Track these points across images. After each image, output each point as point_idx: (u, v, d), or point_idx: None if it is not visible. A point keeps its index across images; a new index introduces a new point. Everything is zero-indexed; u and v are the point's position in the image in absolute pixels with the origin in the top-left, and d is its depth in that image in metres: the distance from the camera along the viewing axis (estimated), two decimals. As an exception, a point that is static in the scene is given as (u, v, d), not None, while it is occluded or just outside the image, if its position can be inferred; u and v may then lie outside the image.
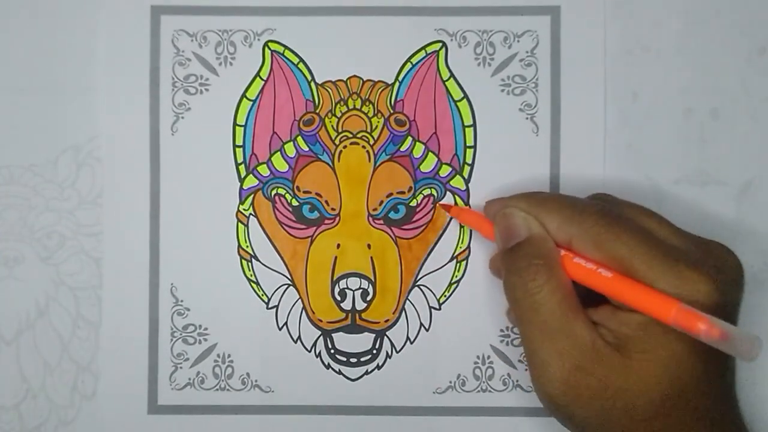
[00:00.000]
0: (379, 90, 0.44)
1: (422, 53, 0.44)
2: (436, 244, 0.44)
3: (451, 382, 0.44)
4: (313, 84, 0.44)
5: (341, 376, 0.44)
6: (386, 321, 0.44)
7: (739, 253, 0.43)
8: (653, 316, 0.34)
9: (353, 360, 0.44)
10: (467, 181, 0.44)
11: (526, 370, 0.44)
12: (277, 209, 0.44)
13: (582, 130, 0.44)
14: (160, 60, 0.44)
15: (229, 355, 0.44)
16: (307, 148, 0.44)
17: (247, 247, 0.44)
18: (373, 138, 0.44)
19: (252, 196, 0.44)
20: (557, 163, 0.44)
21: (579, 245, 0.37)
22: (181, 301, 0.44)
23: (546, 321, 0.36)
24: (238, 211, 0.44)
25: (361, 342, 0.44)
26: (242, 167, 0.44)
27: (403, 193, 0.44)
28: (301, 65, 0.44)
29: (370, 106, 0.44)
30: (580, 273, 0.37)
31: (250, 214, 0.44)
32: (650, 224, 0.38)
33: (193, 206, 0.44)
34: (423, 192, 0.44)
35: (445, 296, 0.44)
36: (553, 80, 0.44)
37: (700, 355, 0.35)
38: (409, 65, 0.44)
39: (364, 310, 0.44)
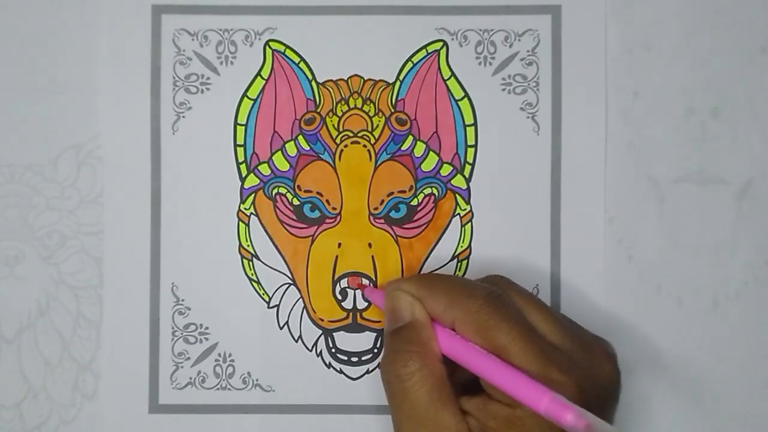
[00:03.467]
0: (380, 89, 0.44)
1: (423, 52, 0.44)
2: (437, 243, 0.44)
3: (452, 381, 0.44)
4: (314, 83, 0.44)
5: (342, 375, 0.44)
6: (387, 320, 0.44)
7: (739, 252, 0.43)
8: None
9: (354, 359, 0.44)
10: (468, 180, 0.44)
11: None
12: (278, 208, 0.44)
13: (583, 129, 0.44)
14: (161, 59, 0.44)
15: (230, 355, 0.44)
16: (308, 148, 0.44)
17: (248, 246, 0.44)
18: (374, 137, 0.44)
19: (253, 195, 0.44)
20: (558, 162, 0.44)
21: (461, 328, 0.37)
22: (182, 300, 0.44)
23: (414, 408, 0.36)
24: (239, 210, 0.44)
25: (362, 341, 0.44)
26: (243, 166, 0.44)
27: (404, 192, 0.44)
28: (302, 64, 0.44)
29: (371, 105, 0.44)
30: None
31: (251, 213, 0.44)
32: (535, 317, 0.38)
33: (194, 205, 0.44)
34: (424, 191, 0.44)
35: (446, 295, 0.44)
36: (554, 79, 0.44)
37: None
38: (410, 64, 0.44)
39: (365, 309, 0.44)
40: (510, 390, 0.35)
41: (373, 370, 0.44)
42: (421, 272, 0.44)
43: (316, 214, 0.44)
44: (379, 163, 0.44)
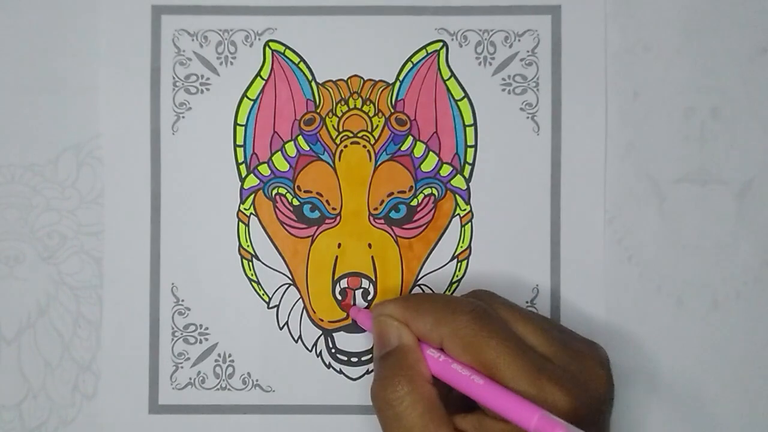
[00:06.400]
0: (380, 89, 0.44)
1: (423, 53, 0.44)
2: (437, 243, 0.44)
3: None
4: (313, 83, 0.44)
5: (342, 375, 0.44)
6: (387, 321, 0.44)
7: (739, 252, 0.43)
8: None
9: (354, 359, 0.44)
10: (468, 181, 0.44)
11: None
12: (278, 209, 0.44)
13: (583, 129, 0.44)
14: (161, 59, 0.44)
15: (229, 355, 0.44)
16: (307, 148, 0.44)
17: (248, 246, 0.44)
18: (373, 137, 0.44)
19: (253, 195, 0.44)
20: (558, 162, 0.44)
21: (449, 346, 0.37)
22: (182, 300, 0.44)
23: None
24: (239, 210, 0.44)
25: (362, 341, 0.44)
26: (243, 167, 0.44)
27: (403, 192, 0.44)
28: (301, 65, 0.44)
29: (371, 105, 0.44)
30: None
31: (251, 213, 0.44)
32: (523, 329, 0.38)
33: (194, 206, 0.44)
34: (424, 191, 0.44)
35: (445, 296, 0.44)
36: (554, 79, 0.44)
37: None
38: (409, 65, 0.44)
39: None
40: (499, 409, 0.35)
41: (372, 371, 0.44)
42: (421, 272, 0.44)
43: (316, 214, 0.44)
44: (378, 163, 0.44)
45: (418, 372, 0.37)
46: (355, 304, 0.44)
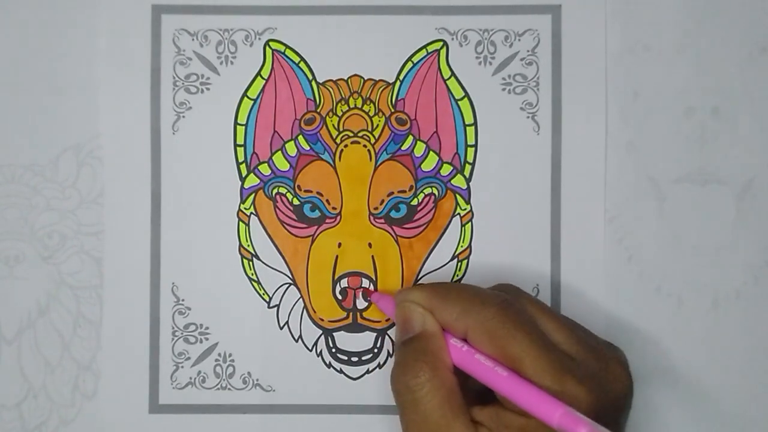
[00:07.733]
0: (380, 89, 0.44)
1: (423, 52, 0.44)
2: (437, 243, 0.44)
3: (452, 381, 0.44)
4: (314, 83, 0.44)
5: (342, 375, 0.44)
6: (387, 320, 0.44)
7: (739, 252, 0.43)
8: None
9: (354, 359, 0.44)
10: (468, 180, 0.44)
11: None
12: (279, 208, 0.44)
13: (583, 128, 0.44)
14: (161, 59, 0.44)
15: (230, 355, 0.44)
16: (308, 147, 0.44)
17: (249, 246, 0.44)
18: (374, 137, 0.44)
19: (253, 195, 0.44)
20: (558, 161, 0.44)
21: (474, 337, 0.37)
22: (183, 300, 0.44)
23: (425, 419, 0.36)
24: (240, 210, 0.44)
25: (363, 341, 0.44)
26: (243, 166, 0.44)
27: (404, 192, 0.44)
28: (302, 64, 0.44)
29: (371, 105, 0.44)
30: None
31: (252, 213, 0.44)
32: (548, 326, 0.38)
33: (194, 205, 0.44)
34: (424, 191, 0.44)
35: (446, 295, 0.44)
36: (554, 79, 0.44)
37: None
38: (410, 64, 0.44)
39: (365, 309, 0.44)
40: (522, 403, 0.34)
41: (373, 370, 0.44)
42: (421, 272, 0.44)
43: (316, 214, 0.44)
44: (379, 162, 0.44)
45: (440, 359, 0.37)
46: (374, 290, 0.44)
